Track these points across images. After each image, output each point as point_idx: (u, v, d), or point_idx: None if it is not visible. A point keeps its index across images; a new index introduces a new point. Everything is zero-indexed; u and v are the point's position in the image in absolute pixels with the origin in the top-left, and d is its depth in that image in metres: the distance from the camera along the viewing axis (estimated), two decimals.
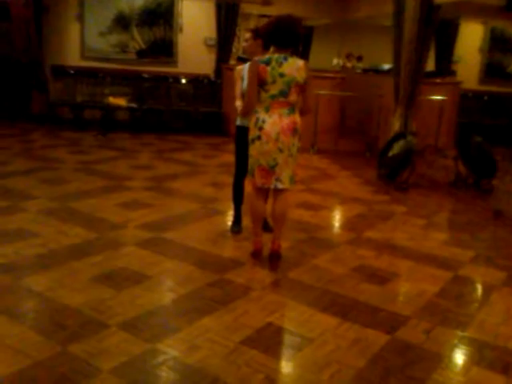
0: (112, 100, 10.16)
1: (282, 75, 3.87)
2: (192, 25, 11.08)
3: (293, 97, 3.95)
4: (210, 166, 7.64)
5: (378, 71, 10.60)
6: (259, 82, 3.90)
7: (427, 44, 8.17)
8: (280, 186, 4.08)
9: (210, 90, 10.85)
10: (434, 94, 9.13)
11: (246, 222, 4.88)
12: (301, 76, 3.92)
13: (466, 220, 5.82)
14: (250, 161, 4.12)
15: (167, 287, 3.79)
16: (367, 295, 3.72)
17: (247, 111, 4.08)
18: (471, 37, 11.92)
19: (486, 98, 11.54)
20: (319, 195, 6.40)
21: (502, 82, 11.69)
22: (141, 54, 10.97)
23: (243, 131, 4.50)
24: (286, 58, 3.91)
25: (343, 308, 3.51)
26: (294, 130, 3.98)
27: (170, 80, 10.85)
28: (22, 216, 4.98)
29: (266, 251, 4.31)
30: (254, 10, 11.50)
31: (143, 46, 10.96)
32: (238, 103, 4.38)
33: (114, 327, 3.09)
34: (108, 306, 3.34)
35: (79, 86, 10.49)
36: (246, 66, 4.52)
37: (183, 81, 10.91)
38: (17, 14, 9.81)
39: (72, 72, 10.52)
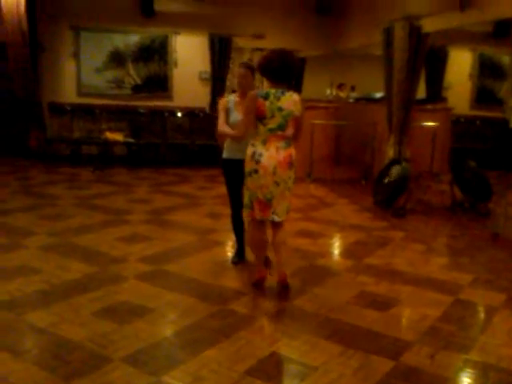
0: (109, 135, 10.26)
1: (280, 109, 3.93)
2: (186, 59, 11.27)
3: (289, 130, 4.01)
4: (208, 198, 7.69)
5: (370, 100, 10.75)
6: (257, 116, 3.95)
7: (417, 72, 8.34)
8: (276, 218, 4.11)
9: (205, 123, 10.96)
10: (426, 121, 9.26)
11: (247, 252, 4.91)
12: (297, 109, 4.00)
13: (464, 244, 5.86)
14: (247, 193, 4.14)
15: (169, 319, 3.79)
16: (369, 321, 3.73)
17: (239, 139, 4.21)
18: (461, 63, 12.13)
19: (478, 122, 11.69)
20: (317, 223, 6.44)
21: (494, 107, 11.85)
22: (136, 89, 11.12)
23: (230, 164, 4.58)
24: (283, 92, 3.98)
25: (346, 335, 3.52)
26: (290, 164, 4.02)
27: (166, 114, 10.99)
28: (23, 253, 4.99)
29: (267, 281, 4.33)
30: (247, 43, 11.69)
31: (139, 82, 11.12)
32: (224, 128, 4.44)
33: (118, 361, 3.08)
34: (111, 340, 3.33)
35: (76, 123, 10.62)
36: (231, 97, 4.63)
37: (179, 114, 11.05)
38: (14, 52, 9.97)
39: (69, 109, 10.65)
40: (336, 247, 5.95)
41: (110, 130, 10.46)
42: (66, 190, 7.92)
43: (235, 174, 4.44)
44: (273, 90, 3.98)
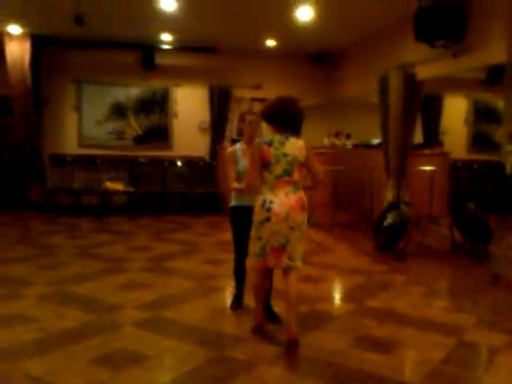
0: (109, 185, 10.35)
1: (285, 155, 3.93)
2: (186, 110, 11.52)
3: (296, 175, 3.98)
4: (208, 245, 7.67)
5: (367, 146, 10.88)
6: (263, 163, 3.95)
7: (413, 118, 8.49)
8: (292, 265, 3.99)
9: (205, 171, 11.10)
10: (424, 165, 9.31)
11: (246, 298, 4.87)
12: (302, 155, 3.99)
13: (465, 286, 5.81)
14: (259, 243, 4.00)
15: (167, 366, 3.72)
16: (372, 365, 3.65)
17: (250, 190, 4.08)
18: (456, 109, 12.35)
19: (475, 166, 11.79)
20: (318, 268, 6.40)
21: (490, 151, 11.97)
22: (137, 139, 11.31)
23: (239, 211, 4.51)
24: (287, 138, 3.99)
25: (348, 379, 3.45)
26: (302, 207, 3.98)
27: (166, 163, 11.12)
28: (22, 302, 4.94)
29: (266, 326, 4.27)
30: (246, 93, 11.95)
31: (139, 133, 11.32)
32: (235, 185, 4.41)
33: None
34: None
35: (76, 173, 10.73)
36: (238, 146, 4.62)
37: (179, 163, 11.18)
38: (18, 107, 10.19)
39: (69, 160, 10.80)
40: (337, 291, 5.90)
41: (111, 179, 10.55)
42: (66, 240, 7.92)
43: (244, 221, 4.31)
44: (277, 137, 4.00)
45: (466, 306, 5.08)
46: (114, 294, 5.23)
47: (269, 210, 3.90)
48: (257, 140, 4.12)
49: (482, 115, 12.53)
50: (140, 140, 11.31)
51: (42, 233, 8.53)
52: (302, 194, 4.02)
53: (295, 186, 3.98)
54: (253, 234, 4.06)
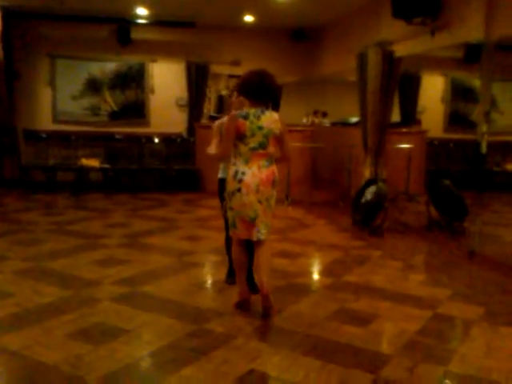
0: (85, 161, 10.21)
1: (260, 128, 3.95)
2: (163, 86, 11.35)
3: (271, 148, 4.01)
4: (186, 221, 7.63)
5: (345, 124, 10.89)
6: (238, 136, 3.95)
7: (391, 95, 8.50)
8: (261, 237, 4.04)
9: (183, 148, 11.00)
10: (401, 143, 9.40)
11: (222, 275, 4.90)
12: (277, 127, 4.01)
13: (441, 261, 5.90)
14: (231, 213, 4.07)
15: (145, 340, 3.71)
16: (349, 337, 3.70)
17: (221, 159, 4.17)
18: (433, 88, 12.40)
19: (451, 145, 11.91)
20: (296, 244, 6.43)
21: (467, 130, 12.07)
22: (113, 115, 11.13)
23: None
24: (263, 111, 4.00)
25: (325, 350, 3.48)
26: (273, 182, 4.02)
27: (143, 140, 10.98)
28: None
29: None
30: (224, 70, 11.84)
31: (115, 108, 11.14)
32: (208, 149, 4.49)
33: (93, 382, 3.00)
34: (86, 362, 3.25)
35: (51, 149, 10.54)
36: (225, 119, 4.59)
37: (156, 140, 11.05)
38: None
39: (44, 136, 10.59)
40: (315, 266, 5.93)
41: (86, 156, 10.40)
42: (41, 216, 7.81)
43: None
44: (252, 110, 4.00)
45: (441, 279, 5.17)
46: (91, 269, 5.18)
47: (240, 180, 3.95)
48: (232, 113, 4.13)
49: (459, 94, 12.60)
50: (116, 116, 11.14)
51: (17, 209, 8.39)
52: (274, 169, 4.06)
53: (269, 159, 4.02)
54: (227, 204, 4.12)
